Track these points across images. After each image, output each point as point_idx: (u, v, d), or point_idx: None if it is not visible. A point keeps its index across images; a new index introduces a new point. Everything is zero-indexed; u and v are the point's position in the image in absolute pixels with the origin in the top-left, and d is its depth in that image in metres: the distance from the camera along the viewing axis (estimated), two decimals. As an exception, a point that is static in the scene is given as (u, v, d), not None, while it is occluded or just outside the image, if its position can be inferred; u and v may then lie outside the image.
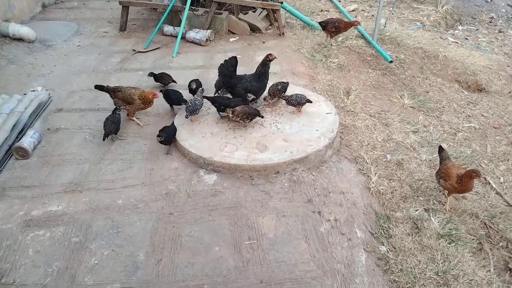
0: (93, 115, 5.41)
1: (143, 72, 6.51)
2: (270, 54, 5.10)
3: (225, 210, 3.97)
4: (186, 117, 4.96)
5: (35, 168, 4.51)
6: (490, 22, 10.33)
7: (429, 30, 9.28)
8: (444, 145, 5.07)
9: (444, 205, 4.32)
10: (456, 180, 4.08)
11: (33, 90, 5.93)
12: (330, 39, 7.52)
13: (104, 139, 4.78)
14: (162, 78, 5.98)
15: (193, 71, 6.56)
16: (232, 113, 4.65)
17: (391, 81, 6.97)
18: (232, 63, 5.01)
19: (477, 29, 9.92)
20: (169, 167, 4.51)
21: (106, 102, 5.65)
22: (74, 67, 6.77)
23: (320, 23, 7.55)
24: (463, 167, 4.90)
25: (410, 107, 6.34)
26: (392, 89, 6.79)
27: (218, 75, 5.17)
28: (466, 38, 9.32)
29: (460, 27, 10.02)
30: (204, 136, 4.73)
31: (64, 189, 4.24)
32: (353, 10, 10.07)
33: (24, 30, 7.38)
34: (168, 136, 4.57)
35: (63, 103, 5.73)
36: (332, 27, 7.28)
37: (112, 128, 4.81)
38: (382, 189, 4.46)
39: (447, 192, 4.36)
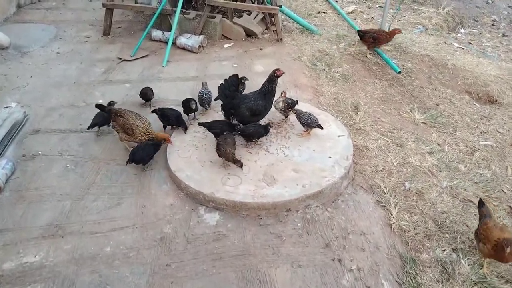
0: (75, 138, 4.79)
1: (130, 85, 5.89)
2: (278, 70, 4.54)
3: (231, 259, 3.43)
4: (205, 109, 5.02)
5: (7, 206, 3.90)
6: (492, 25, 9.96)
7: (432, 34, 8.84)
8: (483, 199, 4.00)
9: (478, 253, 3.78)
10: (492, 246, 3.36)
11: (6, 107, 5.28)
12: (367, 49, 7.05)
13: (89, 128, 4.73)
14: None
15: (185, 83, 5.97)
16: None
17: (399, 92, 6.50)
18: (233, 82, 4.45)
19: (480, 33, 9.53)
20: (163, 204, 3.95)
21: (90, 121, 5.02)
22: (53, 78, 6.10)
23: (358, 31, 7.07)
24: (509, 228, 3.93)
25: (421, 122, 5.88)
26: (400, 102, 6.31)
27: (218, 95, 4.60)
28: (470, 43, 8.92)
29: (462, 30, 9.61)
30: (203, 165, 4.17)
31: (43, 233, 3.65)
32: (351, 12, 9.56)
33: (-4, 35, 6.66)
34: (137, 158, 4.20)
35: (40, 123, 5.08)
36: (370, 38, 6.78)
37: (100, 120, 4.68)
38: (404, 225, 3.98)
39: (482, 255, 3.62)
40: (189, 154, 4.32)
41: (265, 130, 4.38)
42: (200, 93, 5.10)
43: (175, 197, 4.02)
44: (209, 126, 4.46)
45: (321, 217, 3.85)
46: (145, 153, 4.24)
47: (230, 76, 4.50)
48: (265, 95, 4.51)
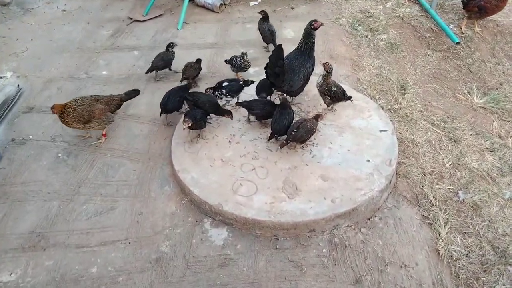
0: (71, 120, 4.14)
1: (139, 53, 5.14)
2: (315, 21, 3.74)
3: (237, 294, 2.80)
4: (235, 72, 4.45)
5: (-12, 206, 3.37)
6: None
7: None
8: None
9: None
10: None
11: (0, 77, 4.69)
12: (467, 21, 5.78)
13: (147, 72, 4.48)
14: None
15: (201, 52, 5.14)
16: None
17: (455, 67, 5.44)
18: (279, 55, 3.59)
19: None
20: (163, 211, 3.32)
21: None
22: (55, 41, 5.43)
23: None
24: None
25: (481, 107, 4.88)
26: (456, 80, 5.28)
27: (268, 77, 3.76)
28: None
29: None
30: (213, 164, 3.47)
31: (23, 244, 3.13)
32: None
33: (-4, -10, 5.95)
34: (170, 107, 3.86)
35: (36, 98, 4.48)
36: (475, 7, 5.47)
37: (159, 64, 4.44)
38: (454, 250, 3.22)
39: None
40: (197, 149, 3.61)
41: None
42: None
43: (177, 203, 3.38)
44: (249, 106, 3.73)
45: (353, 241, 3.12)
46: (176, 99, 3.91)
47: (274, 50, 3.63)
48: (308, 54, 3.77)
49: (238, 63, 4.41)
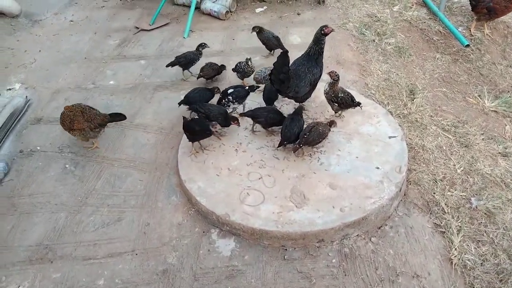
0: (79, 130, 4.15)
1: (145, 62, 5.15)
2: (325, 26, 3.69)
3: (246, 307, 2.75)
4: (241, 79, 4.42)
5: (-4, 218, 3.38)
6: None
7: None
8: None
9: None
10: None
11: (9, 89, 4.72)
12: (476, 23, 5.67)
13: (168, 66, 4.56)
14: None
15: (209, 59, 5.10)
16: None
17: (465, 70, 5.35)
18: (285, 62, 3.54)
19: None
20: (170, 222, 3.30)
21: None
22: (63, 52, 5.46)
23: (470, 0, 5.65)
24: None
25: (492, 111, 4.77)
26: (467, 83, 5.19)
27: (273, 84, 3.73)
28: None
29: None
30: (219, 173, 3.44)
31: (30, 256, 3.12)
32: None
33: (5, 2, 6.02)
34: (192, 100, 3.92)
35: (44, 109, 4.50)
36: (484, 8, 5.36)
37: (181, 61, 4.47)
38: (468, 259, 3.13)
39: None
40: (204, 158, 3.59)
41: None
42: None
43: (184, 213, 3.35)
44: (253, 115, 3.71)
45: (363, 251, 3.06)
46: (201, 94, 4.02)
47: (278, 57, 3.58)
48: (316, 60, 3.71)
49: (242, 68, 4.40)
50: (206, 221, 3.25)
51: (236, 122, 3.64)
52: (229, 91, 3.93)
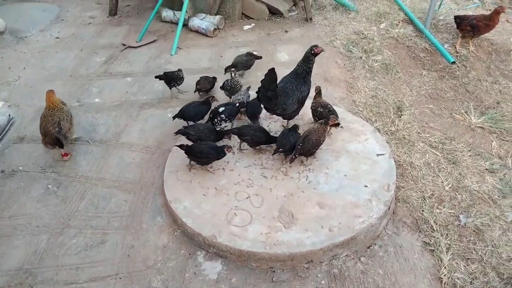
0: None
1: (132, 79, 5.10)
2: (316, 46, 3.69)
3: (233, 333, 2.67)
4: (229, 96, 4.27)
5: (-26, 242, 3.26)
6: None
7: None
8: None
9: None
10: None
11: (-8, 107, 4.61)
12: (461, 40, 5.82)
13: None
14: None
15: (196, 77, 5.06)
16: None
17: (451, 87, 5.41)
18: (272, 79, 3.52)
19: (549, 6, 8.04)
20: (155, 244, 3.21)
21: (81, 127, 4.34)
22: (48, 69, 5.39)
23: (455, 17, 5.85)
24: None
25: (478, 127, 4.81)
26: (453, 99, 5.24)
27: (261, 101, 3.71)
28: (537, 19, 7.48)
29: (527, 3, 8.15)
30: (206, 193, 3.37)
31: (9, 281, 3.01)
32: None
33: (-10, 19, 5.96)
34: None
35: (27, 127, 4.41)
36: (468, 26, 5.52)
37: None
38: (458, 278, 3.10)
39: None
40: (190, 177, 3.52)
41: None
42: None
43: (170, 235, 3.27)
44: (239, 133, 3.68)
45: (352, 271, 3.00)
46: (196, 109, 4.02)
47: (266, 74, 3.55)
48: (304, 78, 3.71)
49: (229, 85, 4.37)
50: (192, 243, 3.18)
51: (228, 135, 3.63)
52: (220, 109, 3.89)
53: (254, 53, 5.08)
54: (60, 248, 3.21)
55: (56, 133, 3.71)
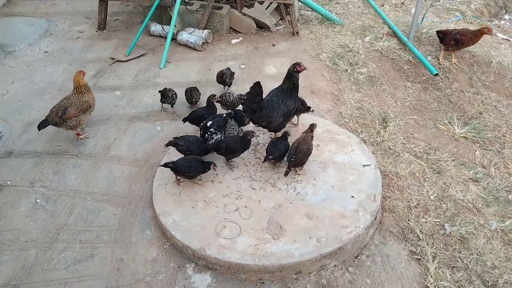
0: (51, 164, 4.09)
1: (120, 93, 5.13)
2: (298, 65, 3.73)
3: None
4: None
5: (-40, 258, 3.23)
6: (542, 9, 8.69)
7: (471, 22, 7.70)
8: None
9: None
10: None
11: (-20, 122, 4.60)
12: (444, 52, 5.95)
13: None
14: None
15: (184, 90, 5.13)
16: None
17: (434, 98, 5.54)
18: (257, 92, 3.58)
19: (528, 19, 8.30)
20: (144, 257, 3.22)
21: (70, 141, 4.36)
22: (37, 84, 5.39)
23: (437, 32, 5.99)
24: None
25: (462, 137, 4.92)
26: (437, 110, 5.36)
27: (245, 113, 3.79)
28: (517, 32, 7.73)
29: (506, 16, 8.41)
30: (195, 206, 3.40)
31: (-4, 298, 2.97)
32: (378, -4, 8.43)
33: (-23, 33, 5.95)
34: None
35: (15, 142, 4.39)
36: (451, 40, 5.65)
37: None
38: (444, 286, 3.17)
39: None
40: (179, 190, 3.55)
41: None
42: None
43: (159, 248, 3.28)
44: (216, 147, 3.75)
45: (340, 281, 3.05)
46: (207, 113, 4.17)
47: (251, 87, 3.61)
48: (290, 92, 3.78)
49: (229, 101, 4.42)
50: (181, 255, 3.19)
51: (215, 167, 3.60)
52: (208, 123, 3.93)
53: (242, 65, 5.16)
54: (49, 263, 3.20)
55: (57, 117, 4.05)
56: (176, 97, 4.65)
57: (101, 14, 6.59)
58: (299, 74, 3.74)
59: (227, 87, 5.03)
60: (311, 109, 4.21)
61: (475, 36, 5.51)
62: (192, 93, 4.69)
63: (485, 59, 6.08)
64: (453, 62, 5.92)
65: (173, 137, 3.82)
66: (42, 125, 4.14)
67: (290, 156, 3.55)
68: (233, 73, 5.07)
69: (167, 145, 3.74)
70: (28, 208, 3.65)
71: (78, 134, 4.34)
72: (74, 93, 4.21)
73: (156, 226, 3.42)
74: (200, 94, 4.76)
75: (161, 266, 3.14)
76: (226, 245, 3.05)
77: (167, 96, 4.58)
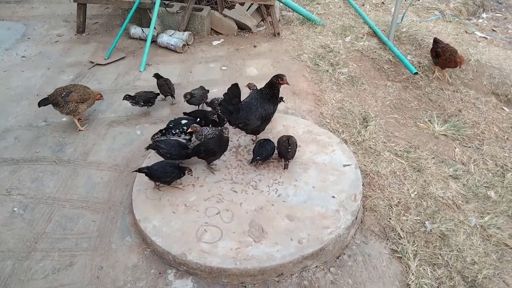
0: (29, 171, 4.01)
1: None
2: (281, 78, 3.75)
3: None
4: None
5: None
6: (518, 7, 8.87)
7: (450, 21, 7.82)
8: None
9: None
10: None
11: (-46, 130, 4.48)
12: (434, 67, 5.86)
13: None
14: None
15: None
16: None
17: (414, 97, 5.59)
18: (235, 93, 3.59)
19: (505, 18, 8.46)
20: (125, 264, 3.17)
21: (48, 147, 4.27)
22: (14, 89, 5.29)
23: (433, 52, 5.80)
24: None
25: (442, 134, 4.98)
26: (417, 109, 5.41)
27: (222, 113, 3.78)
28: (494, 30, 7.87)
29: (484, 15, 8.55)
30: (176, 211, 3.37)
31: (-29, 311, 2.89)
32: (359, -4, 8.49)
33: (-48, 39, 5.82)
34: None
35: (-9, 149, 4.28)
36: (434, 52, 5.65)
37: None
38: (425, 283, 3.19)
39: None
40: (159, 195, 3.51)
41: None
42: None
43: (139, 254, 3.24)
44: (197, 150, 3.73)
45: (322, 282, 3.05)
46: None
47: (229, 88, 3.62)
48: (270, 99, 3.80)
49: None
50: (162, 261, 3.16)
51: (190, 172, 3.56)
52: (183, 122, 3.93)
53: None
54: (26, 273, 3.13)
55: (60, 97, 4.28)
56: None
57: (80, 17, 6.50)
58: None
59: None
60: (283, 99, 4.28)
61: (452, 57, 5.46)
62: (169, 85, 4.74)
63: (464, 57, 6.14)
64: (447, 79, 5.84)
65: (154, 140, 3.78)
66: (42, 103, 4.37)
67: (285, 148, 3.59)
68: (207, 91, 4.77)
69: (147, 148, 3.70)
70: (5, 217, 3.57)
71: (80, 120, 4.56)
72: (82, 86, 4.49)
73: (137, 232, 3.38)
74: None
75: (141, 272, 3.10)
76: (207, 250, 3.03)
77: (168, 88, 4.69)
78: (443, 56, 5.52)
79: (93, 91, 4.51)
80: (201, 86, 4.69)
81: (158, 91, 4.74)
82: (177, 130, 3.90)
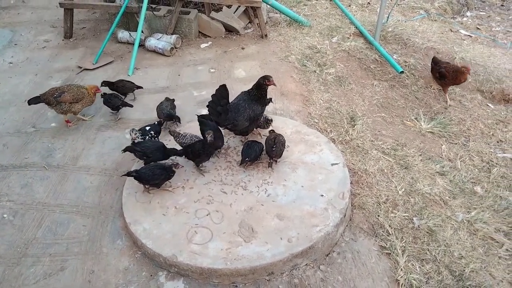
0: (18, 177, 4.00)
1: (88, 102, 5.02)
2: (268, 79, 3.80)
3: None
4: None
5: None
6: (502, 5, 9.02)
7: (435, 20, 7.93)
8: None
9: None
10: None
11: None
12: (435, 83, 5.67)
13: None
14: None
15: (153, 96, 5.12)
16: None
17: (401, 95, 5.67)
18: (223, 94, 3.65)
19: (488, 16, 8.60)
20: (116, 267, 3.19)
21: (37, 153, 4.26)
22: (1, 96, 5.28)
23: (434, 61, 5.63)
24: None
25: (428, 132, 5.06)
26: (404, 107, 5.49)
27: (210, 115, 3.78)
28: (478, 28, 8.00)
29: (468, 13, 8.69)
30: (166, 213, 3.39)
31: (-38, 318, 2.88)
32: (345, -3, 8.57)
33: None
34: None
35: (-21, 157, 4.27)
36: (437, 73, 5.42)
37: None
38: (414, 279, 3.24)
39: None
40: (149, 198, 3.53)
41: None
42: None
43: (130, 257, 3.25)
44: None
45: (312, 280, 3.09)
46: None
47: (217, 89, 3.68)
48: (258, 99, 3.85)
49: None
50: (153, 263, 3.18)
51: (178, 166, 3.59)
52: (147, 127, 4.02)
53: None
54: (17, 279, 3.13)
55: (52, 97, 4.31)
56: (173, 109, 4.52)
57: (67, 22, 6.49)
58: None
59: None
60: (271, 100, 4.23)
61: (456, 73, 5.25)
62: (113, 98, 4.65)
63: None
64: (448, 103, 5.55)
65: (131, 143, 3.80)
66: (33, 101, 4.41)
67: (270, 147, 3.64)
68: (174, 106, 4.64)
69: (124, 150, 3.70)
70: (-5, 224, 3.56)
71: (67, 121, 4.59)
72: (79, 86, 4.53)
73: (127, 236, 3.39)
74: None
75: (133, 275, 3.12)
76: (198, 251, 3.05)
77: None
78: (449, 76, 5.30)
79: (88, 87, 4.53)
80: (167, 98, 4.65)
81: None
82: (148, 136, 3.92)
